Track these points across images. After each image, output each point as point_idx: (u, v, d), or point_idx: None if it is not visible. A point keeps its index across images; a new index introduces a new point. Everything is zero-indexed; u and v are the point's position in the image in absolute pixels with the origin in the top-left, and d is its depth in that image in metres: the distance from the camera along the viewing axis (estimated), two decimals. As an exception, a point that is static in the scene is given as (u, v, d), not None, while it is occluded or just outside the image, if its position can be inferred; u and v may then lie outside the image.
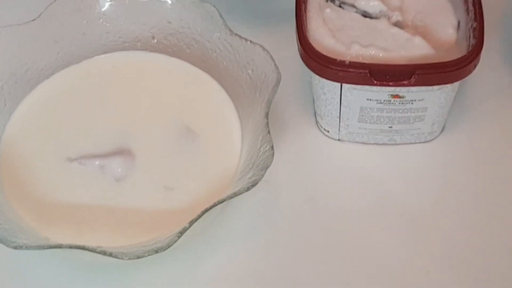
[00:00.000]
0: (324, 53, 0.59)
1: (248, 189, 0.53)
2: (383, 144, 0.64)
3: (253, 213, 0.61)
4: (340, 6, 0.63)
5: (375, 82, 0.58)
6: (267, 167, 0.54)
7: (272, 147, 0.55)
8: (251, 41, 0.62)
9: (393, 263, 0.59)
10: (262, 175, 0.54)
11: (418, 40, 0.59)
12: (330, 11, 0.63)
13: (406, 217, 0.61)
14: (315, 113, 0.66)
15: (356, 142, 0.65)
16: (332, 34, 0.61)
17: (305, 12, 0.62)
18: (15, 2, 0.73)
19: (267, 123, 0.57)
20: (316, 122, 0.66)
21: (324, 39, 0.61)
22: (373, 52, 0.59)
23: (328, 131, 0.65)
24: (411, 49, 0.59)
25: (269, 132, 0.56)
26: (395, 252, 0.60)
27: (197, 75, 0.66)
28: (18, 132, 0.63)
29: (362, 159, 0.64)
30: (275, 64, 0.60)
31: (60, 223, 0.57)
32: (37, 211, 0.58)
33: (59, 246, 0.51)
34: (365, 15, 0.63)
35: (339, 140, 0.65)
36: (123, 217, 0.58)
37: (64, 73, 0.66)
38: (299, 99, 0.67)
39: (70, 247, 0.50)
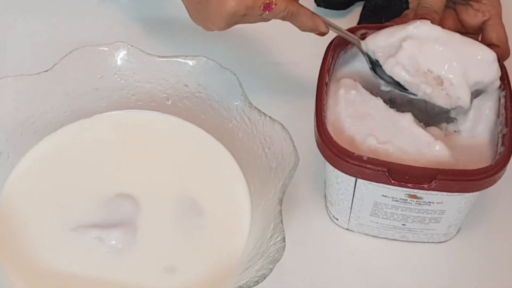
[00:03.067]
0: (340, 139, 0.56)
1: (255, 283, 0.51)
2: (393, 239, 0.62)
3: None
4: (374, 71, 0.60)
5: (393, 181, 0.55)
6: (277, 261, 0.52)
7: (284, 239, 0.52)
8: (270, 117, 0.59)
9: None
10: (271, 270, 0.51)
11: (439, 146, 0.56)
12: (356, 93, 0.60)
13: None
14: (325, 196, 0.63)
15: (366, 234, 0.62)
16: (351, 121, 0.58)
17: (327, 87, 0.60)
18: (30, 51, 0.71)
19: (281, 211, 0.54)
20: (326, 206, 0.63)
21: (343, 124, 0.58)
22: (389, 150, 0.56)
23: (337, 219, 0.62)
24: (430, 154, 0.56)
25: (282, 222, 0.53)
26: None
27: (210, 144, 0.63)
28: (19, 189, 0.60)
29: (370, 252, 0.61)
30: (293, 146, 0.57)
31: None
32: (30, 277, 0.56)
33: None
34: (392, 99, 0.61)
35: (347, 229, 0.62)
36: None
37: (72, 127, 0.63)
38: (310, 178, 0.64)
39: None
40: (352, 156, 0.55)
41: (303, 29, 0.60)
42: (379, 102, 0.59)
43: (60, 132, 0.63)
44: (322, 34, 0.60)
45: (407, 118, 0.58)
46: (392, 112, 0.59)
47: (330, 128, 0.57)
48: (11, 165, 0.61)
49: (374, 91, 0.61)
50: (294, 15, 0.58)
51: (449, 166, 0.55)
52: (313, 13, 0.59)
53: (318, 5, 0.75)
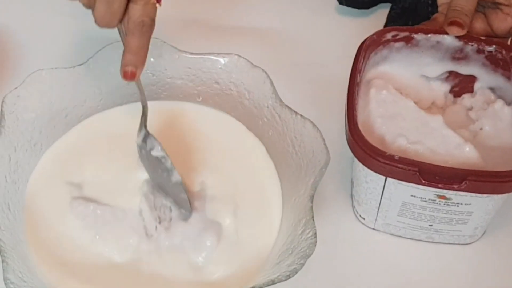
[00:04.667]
0: (370, 138, 0.57)
1: (287, 277, 0.51)
2: (419, 240, 0.62)
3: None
4: None
5: (423, 181, 0.55)
6: (308, 256, 0.52)
7: (315, 234, 0.53)
8: (301, 116, 0.60)
9: None
10: (302, 264, 0.52)
11: (469, 147, 0.57)
12: (387, 93, 0.60)
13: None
14: (352, 196, 0.64)
15: (392, 234, 0.62)
16: (382, 121, 0.59)
17: (359, 86, 0.61)
18: (67, 44, 0.72)
19: (312, 208, 0.55)
20: (353, 206, 0.63)
21: (373, 124, 0.59)
22: (419, 151, 0.57)
23: (364, 219, 0.62)
24: (459, 156, 0.57)
25: (313, 218, 0.54)
26: None
27: (245, 137, 0.63)
28: (47, 181, 0.61)
29: (396, 252, 0.62)
30: (324, 144, 0.58)
31: (84, 285, 0.56)
32: (64, 269, 0.56)
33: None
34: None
35: (374, 229, 0.63)
36: (146, 281, 0.56)
37: (99, 117, 0.64)
38: (337, 177, 0.65)
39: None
40: (383, 155, 0.55)
41: None
42: (409, 103, 0.60)
43: (89, 121, 0.63)
44: None
45: (437, 120, 0.59)
46: (422, 113, 0.60)
47: (360, 128, 0.57)
48: (42, 156, 0.62)
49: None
50: None
51: (478, 168, 0.56)
52: None
53: (341, 3, 0.76)
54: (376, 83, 0.61)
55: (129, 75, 0.57)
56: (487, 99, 0.62)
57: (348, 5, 0.75)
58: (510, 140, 0.59)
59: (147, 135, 0.58)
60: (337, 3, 0.75)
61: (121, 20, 0.57)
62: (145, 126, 0.58)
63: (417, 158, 0.56)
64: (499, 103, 0.60)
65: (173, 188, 0.58)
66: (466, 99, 0.62)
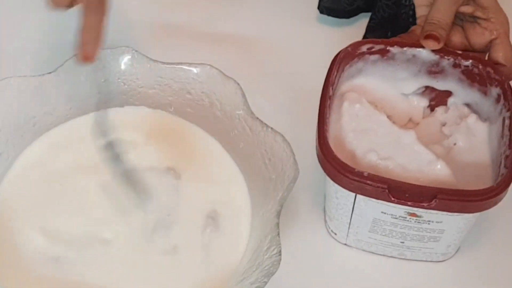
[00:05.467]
0: (341, 153, 0.56)
1: None
2: (392, 257, 0.61)
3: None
4: None
5: (393, 199, 0.54)
6: (272, 274, 0.51)
7: (280, 252, 0.52)
8: (272, 129, 0.59)
9: None
10: (265, 283, 0.51)
11: (440, 165, 0.56)
12: (360, 107, 0.59)
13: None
14: (324, 210, 0.62)
15: (364, 250, 0.61)
16: (353, 135, 0.58)
17: (331, 100, 0.59)
18: (34, 53, 0.71)
19: (277, 224, 0.54)
20: (325, 220, 0.62)
21: (345, 138, 0.58)
22: (390, 167, 0.56)
23: (336, 234, 0.61)
24: (431, 173, 0.56)
25: (278, 235, 0.53)
26: None
27: (214, 148, 0.62)
28: (14, 190, 0.60)
29: (367, 268, 0.61)
30: (294, 159, 0.57)
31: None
32: (24, 282, 0.55)
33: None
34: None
35: (345, 244, 0.62)
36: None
37: (67, 125, 0.63)
38: (310, 191, 0.64)
39: None
40: (352, 172, 0.54)
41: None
42: (382, 117, 0.59)
43: (56, 130, 0.62)
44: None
45: (410, 135, 0.58)
46: (395, 128, 0.58)
47: (331, 142, 0.56)
48: (10, 166, 0.61)
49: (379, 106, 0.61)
50: None
51: (449, 185, 0.55)
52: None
53: (321, 12, 0.75)
54: (350, 96, 0.60)
55: (87, 56, 0.55)
56: (460, 114, 0.60)
57: (328, 14, 0.74)
58: (484, 156, 0.58)
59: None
60: (317, 12, 0.74)
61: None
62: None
63: (388, 174, 0.55)
64: (472, 118, 0.59)
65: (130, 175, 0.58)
66: (438, 113, 0.61)
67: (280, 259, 0.52)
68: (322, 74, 0.60)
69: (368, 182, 0.54)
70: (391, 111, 0.62)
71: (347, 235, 0.60)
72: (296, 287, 0.59)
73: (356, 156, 0.57)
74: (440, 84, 0.62)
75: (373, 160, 0.56)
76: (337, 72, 0.60)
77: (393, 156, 0.56)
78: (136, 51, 0.62)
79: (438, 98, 0.63)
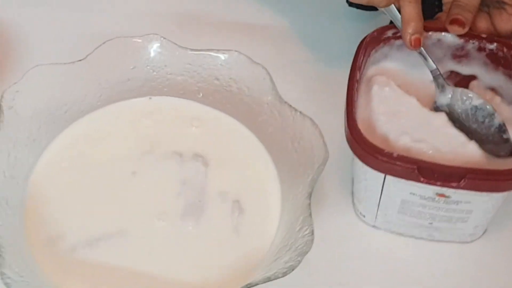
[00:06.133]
0: (373, 137, 0.56)
1: (283, 274, 0.51)
2: (420, 238, 0.62)
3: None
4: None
5: (422, 179, 0.55)
6: (305, 253, 0.52)
7: (313, 232, 0.53)
8: (301, 112, 0.60)
9: None
10: (299, 261, 0.51)
11: (472, 145, 0.56)
12: (389, 90, 0.60)
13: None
14: (352, 193, 0.63)
15: (392, 232, 0.62)
16: (385, 119, 0.58)
17: (358, 84, 0.60)
18: (67, 40, 0.72)
19: (309, 205, 0.54)
20: (353, 203, 0.63)
21: (376, 122, 0.58)
22: (423, 149, 0.57)
23: (364, 216, 0.62)
24: (463, 154, 0.56)
25: (310, 215, 0.54)
26: None
27: (244, 135, 0.63)
28: (46, 177, 0.61)
29: (396, 250, 0.61)
30: (323, 141, 0.57)
31: (84, 281, 0.55)
32: (60, 265, 0.56)
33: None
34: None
35: (374, 226, 0.62)
36: (148, 284, 0.56)
37: (101, 111, 0.64)
38: (337, 174, 0.65)
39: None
40: (382, 153, 0.55)
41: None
42: (412, 100, 0.59)
43: (87, 117, 0.63)
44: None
45: (441, 118, 0.58)
46: (425, 111, 0.59)
47: (362, 126, 0.57)
48: (42, 152, 0.61)
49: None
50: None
51: (482, 166, 0.55)
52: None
53: (350, 5, 0.75)
54: (378, 80, 0.61)
55: (415, 43, 0.59)
56: (484, 97, 0.61)
57: (357, 7, 0.74)
58: None
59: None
60: (346, 4, 0.75)
61: None
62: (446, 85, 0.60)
63: (421, 156, 0.56)
64: (497, 100, 0.60)
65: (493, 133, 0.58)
66: None
67: (313, 239, 0.53)
68: (345, 61, 0.61)
69: (398, 162, 0.55)
70: (416, 95, 0.62)
71: (375, 217, 0.61)
72: (325, 269, 0.60)
73: (389, 139, 0.57)
74: (465, 69, 0.63)
75: (406, 143, 0.57)
76: (364, 56, 0.60)
77: (426, 138, 0.57)
78: (164, 38, 0.63)
79: (462, 83, 0.63)
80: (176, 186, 0.61)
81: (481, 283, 0.60)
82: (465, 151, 0.57)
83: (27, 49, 0.72)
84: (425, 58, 0.60)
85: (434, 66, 0.60)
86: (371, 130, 0.58)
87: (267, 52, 0.69)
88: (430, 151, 0.56)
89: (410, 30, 0.59)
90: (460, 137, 0.57)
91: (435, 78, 0.61)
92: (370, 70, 0.63)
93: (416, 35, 0.59)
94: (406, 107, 0.59)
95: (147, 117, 0.64)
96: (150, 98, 0.65)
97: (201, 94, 0.64)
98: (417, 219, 0.60)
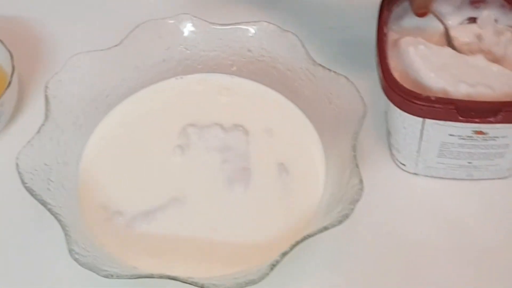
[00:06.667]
0: (431, 94, 0.58)
1: (339, 222, 0.53)
2: (460, 179, 0.64)
3: (330, 246, 0.61)
4: None
5: (461, 118, 0.58)
6: (357, 201, 0.54)
7: (361, 181, 0.55)
8: (335, 72, 0.62)
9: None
10: (352, 209, 0.54)
11: None
12: (425, 48, 0.62)
13: (481, 252, 0.61)
14: (389, 146, 0.66)
15: (433, 176, 0.64)
16: (435, 74, 0.60)
17: (386, 37, 0.62)
18: (98, 27, 0.75)
19: (355, 156, 0.57)
20: (392, 155, 0.66)
21: (428, 80, 0.60)
22: (482, 92, 0.59)
23: (405, 165, 0.65)
24: None
25: (357, 166, 0.56)
26: (470, 285, 0.60)
27: (280, 102, 0.66)
28: (96, 158, 0.63)
29: (439, 193, 0.64)
30: (360, 96, 0.60)
31: (145, 252, 0.57)
32: (120, 239, 0.59)
33: (150, 276, 0.51)
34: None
35: (415, 174, 0.65)
36: (208, 249, 0.58)
37: (139, 95, 0.67)
38: (372, 131, 0.67)
39: (161, 277, 0.51)
40: (420, 98, 0.57)
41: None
42: (449, 50, 0.62)
43: (128, 100, 0.66)
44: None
45: (481, 59, 0.61)
46: (464, 56, 0.62)
47: (413, 88, 0.58)
48: (89, 138, 0.64)
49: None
50: None
51: None
52: None
53: None
54: (408, 41, 0.63)
55: (421, 15, 0.63)
56: (494, 30, 0.64)
57: None
58: None
59: None
60: None
61: None
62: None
63: (484, 99, 0.58)
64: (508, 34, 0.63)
65: None
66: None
67: (363, 187, 0.55)
68: (370, 25, 0.63)
69: (436, 105, 0.57)
70: (442, 44, 0.65)
71: (416, 164, 0.64)
72: (371, 219, 0.62)
73: (448, 92, 0.59)
74: (484, 13, 0.65)
75: (466, 89, 0.59)
76: (387, 11, 0.63)
77: (479, 80, 0.59)
78: (195, 17, 0.65)
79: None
80: (220, 154, 0.63)
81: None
82: None
83: (61, 42, 0.74)
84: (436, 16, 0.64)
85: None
86: (427, 89, 0.59)
87: (294, 21, 0.71)
88: (488, 92, 0.58)
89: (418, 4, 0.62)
90: (505, 70, 0.60)
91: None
92: (394, 29, 0.65)
93: (422, 10, 0.62)
94: (447, 58, 0.61)
95: (185, 95, 0.67)
96: (181, 77, 0.68)
97: (234, 67, 0.67)
98: (456, 160, 0.62)
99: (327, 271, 0.60)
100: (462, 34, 0.64)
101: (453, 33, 0.64)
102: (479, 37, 0.64)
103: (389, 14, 0.64)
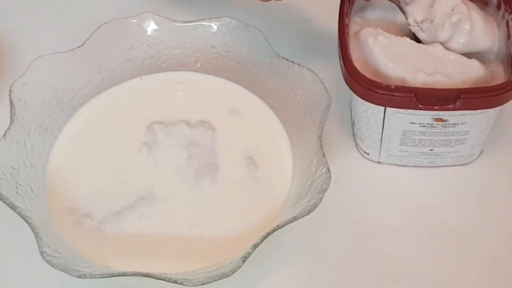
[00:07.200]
0: (390, 84, 0.59)
1: (308, 212, 0.54)
2: (422, 166, 0.66)
3: (300, 235, 0.62)
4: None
5: (420, 106, 0.59)
6: (325, 190, 0.55)
7: (329, 169, 0.56)
8: (298, 64, 0.63)
9: (434, 279, 0.61)
10: (321, 198, 0.55)
11: (474, 63, 0.61)
12: (384, 38, 0.63)
13: (446, 235, 0.62)
14: (354, 135, 0.67)
15: (396, 164, 0.66)
16: (394, 64, 0.61)
17: (348, 27, 0.64)
18: (60, 29, 0.75)
19: (321, 146, 0.58)
20: (356, 144, 0.67)
21: (387, 69, 0.61)
22: (440, 80, 0.60)
23: (368, 154, 0.66)
24: (472, 74, 0.60)
25: (324, 155, 0.57)
26: (437, 269, 0.61)
27: (244, 96, 0.67)
28: (63, 160, 0.63)
29: (402, 181, 0.65)
30: (324, 87, 0.61)
31: (117, 251, 0.58)
32: (92, 241, 0.59)
33: (123, 274, 0.51)
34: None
35: (379, 162, 0.66)
36: (180, 245, 0.59)
37: (104, 95, 0.67)
38: (337, 121, 0.68)
39: (134, 274, 0.51)
40: (380, 87, 0.59)
41: None
42: (407, 40, 0.63)
43: (93, 101, 0.66)
44: None
45: (438, 48, 0.62)
46: (423, 46, 0.63)
47: (374, 77, 0.60)
48: (56, 139, 0.64)
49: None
50: None
51: (488, 80, 0.60)
52: None
53: None
54: (368, 32, 0.64)
55: None
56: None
57: None
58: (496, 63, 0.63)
59: None
60: None
61: None
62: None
63: (442, 87, 0.60)
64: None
65: None
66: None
67: (330, 176, 0.57)
68: (331, 18, 0.64)
69: (396, 94, 0.59)
70: (401, 34, 0.66)
71: (379, 153, 0.65)
72: (337, 208, 0.63)
73: (406, 81, 0.61)
74: (441, 4, 0.68)
75: (424, 79, 0.60)
76: (349, 3, 0.64)
77: (437, 69, 0.61)
78: (157, 15, 0.66)
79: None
80: (187, 150, 0.64)
81: (484, 200, 0.65)
82: (472, 70, 0.61)
83: (26, 44, 0.74)
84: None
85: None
86: (386, 78, 0.61)
87: (256, 15, 0.71)
88: (446, 80, 0.60)
89: None
90: (462, 58, 0.61)
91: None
92: (354, 21, 0.66)
93: None
94: (405, 48, 0.62)
95: (149, 93, 0.67)
96: (146, 76, 0.68)
97: (199, 64, 0.67)
98: (418, 147, 0.64)
99: (299, 260, 0.61)
100: (417, 9, 0.65)
101: (408, 9, 0.65)
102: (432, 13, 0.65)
103: (351, 6, 0.65)
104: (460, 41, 0.63)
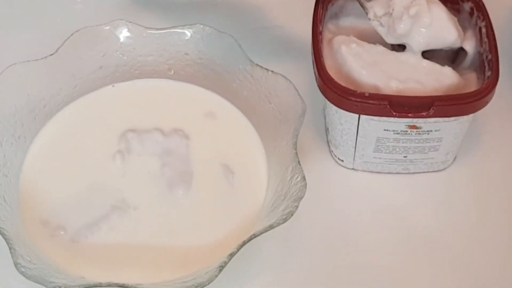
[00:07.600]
0: (364, 91, 0.59)
1: (284, 220, 0.54)
2: (397, 173, 0.66)
3: (277, 243, 0.62)
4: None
5: (394, 113, 0.59)
6: (300, 198, 0.55)
7: (304, 177, 0.56)
8: (272, 71, 0.63)
9: (410, 285, 0.61)
10: (296, 207, 0.55)
11: (447, 70, 0.61)
12: (356, 46, 0.63)
13: (419, 243, 0.63)
14: (328, 142, 0.67)
15: (370, 171, 0.66)
16: (367, 71, 0.61)
17: (322, 35, 0.64)
18: (32, 37, 0.74)
19: (296, 154, 0.58)
20: (330, 151, 0.67)
21: (360, 77, 0.61)
22: (413, 87, 0.60)
23: (343, 160, 0.66)
24: (445, 80, 0.61)
25: (299, 163, 0.57)
26: (411, 275, 0.61)
27: (218, 103, 0.66)
28: (36, 169, 0.63)
29: (376, 188, 0.66)
30: (298, 94, 0.61)
31: (91, 261, 0.58)
32: (66, 252, 0.58)
33: (98, 285, 0.51)
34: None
35: (353, 169, 0.67)
36: (156, 254, 0.59)
37: (78, 103, 0.66)
38: (310, 127, 0.68)
39: (109, 285, 0.51)
40: (354, 94, 0.59)
41: None
42: (380, 48, 0.63)
43: (66, 109, 0.66)
44: None
45: (411, 55, 0.62)
46: (395, 53, 0.63)
47: (347, 85, 0.59)
48: (28, 148, 0.63)
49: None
50: None
51: (460, 88, 0.61)
52: None
53: None
54: (341, 40, 0.64)
55: None
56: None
57: None
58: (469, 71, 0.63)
59: None
60: None
61: None
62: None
63: (415, 94, 0.60)
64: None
65: None
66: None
67: (306, 184, 0.57)
68: (305, 24, 0.64)
69: (370, 101, 0.59)
70: (374, 42, 0.66)
71: (353, 159, 0.65)
72: (313, 215, 0.63)
73: (380, 88, 0.61)
74: (414, 10, 0.68)
75: (397, 86, 0.60)
76: (322, 10, 0.64)
77: (410, 76, 0.61)
78: (130, 22, 0.66)
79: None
80: (161, 159, 0.63)
81: (458, 205, 0.65)
82: (444, 77, 0.61)
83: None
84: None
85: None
86: (359, 86, 0.61)
87: (230, 22, 0.72)
88: (419, 87, 0.60)
89: None
90: (435, 65, 0.62)
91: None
92: (328, 28, 0.66)
93: None
94: (378, 55, 0.63)
95: (123, 101, 0.67)
96: (118, 84, 0.68)
97: (172, 71, 0.67)
98: (392, 154, 0.64)
99: (275, 268, 0.61)
100: (377, 4, 0.65)
101: (369, 4, 0.65)
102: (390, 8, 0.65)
103: (324, 13, 0.65)
104: (419, 35, 0.62)
